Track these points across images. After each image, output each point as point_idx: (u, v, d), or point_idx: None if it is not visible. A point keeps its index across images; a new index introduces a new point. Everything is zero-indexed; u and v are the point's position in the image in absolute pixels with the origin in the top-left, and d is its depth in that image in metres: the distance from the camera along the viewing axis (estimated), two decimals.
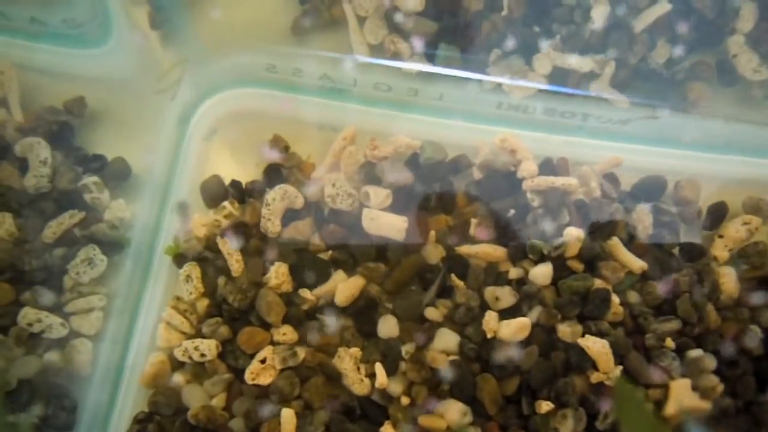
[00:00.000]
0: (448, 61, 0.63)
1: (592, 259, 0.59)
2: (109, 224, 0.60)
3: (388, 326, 0.58)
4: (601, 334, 0.57)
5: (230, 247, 0.58)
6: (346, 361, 0.56)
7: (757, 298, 0.59)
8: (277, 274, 0.58)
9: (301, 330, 0.58)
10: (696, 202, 0.62)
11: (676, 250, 0.61)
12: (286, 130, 0.63)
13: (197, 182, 0.62)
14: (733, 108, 0.64)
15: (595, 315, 0.57)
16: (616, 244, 0.59)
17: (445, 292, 0.59)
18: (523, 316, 0.57)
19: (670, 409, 0.56)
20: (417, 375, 0.56)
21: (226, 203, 0.60)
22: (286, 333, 0.57)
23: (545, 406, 0.55)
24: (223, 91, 0.63)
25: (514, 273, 0.59)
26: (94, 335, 0.58)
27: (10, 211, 0.59)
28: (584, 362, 0.56)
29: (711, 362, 0.57)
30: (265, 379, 0.57)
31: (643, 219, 0.60)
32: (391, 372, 0.57)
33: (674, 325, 0.58)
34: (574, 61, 0.63)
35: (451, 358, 0.57)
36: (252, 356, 0.57)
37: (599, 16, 0.63)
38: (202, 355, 0.57)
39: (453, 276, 0.58)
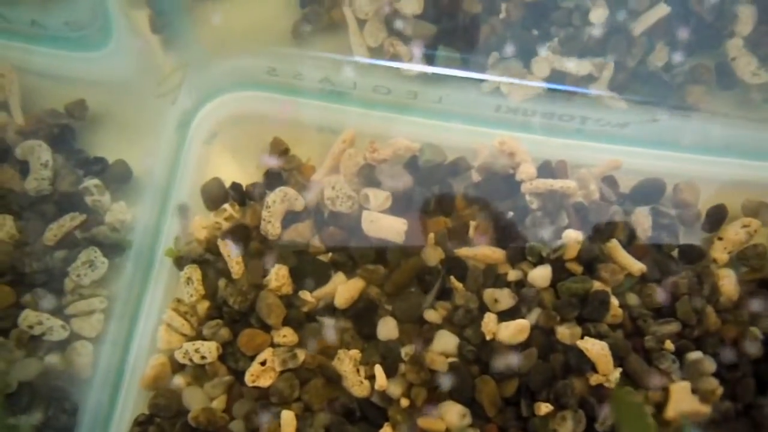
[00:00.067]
0: (447, 64, 0.63)
1: (591, 262, 0.59)
2: (110, 227, 0.60)
3: (387, 328, 0.58)
4: (600, 336, 0.57)
5: (231, 253, 0.58)
6: (346, 363, 0.57)
7: (756, 305, 0.59)
8: (277, 276, 0.58)
9: (301, 332, 0.58)
10: (695, 204, 0.62)
11: (675, 253, 0.61)
12: (286, 132, 0.63)
13: (198, 185, 0.62)
14: (732, 111, 0.64)
15: (594, 317, 0.57)
16: (615, 246, 0.59)
17: (445, 294, 0.59)
18: (522, 318, 0.57)
19: (671, 412, 0.56)
20: (416, 377, 0.56)
21: (226, 206, 0.60)
22: (286, 335, 0.58)
23: (544, 408, 0.55)
24: (223, 94, 0.64)
25: (513, 275, 0.59)
26: (95, 337, 0.58)
27: (11, 214, 0.59)
28: (583, 364, 0.56)
29: (711, 365, 0.57)
30: (265, 381, 0.57)
31: (642, 221, 0.60)
32: (390, 374, 0.57)
33: (673, 327, 0.58)
34: (573, 64, 0.63)
35: (450, 360, 0.57)
36: (252, 358, 0.57)
37: (598, 19, 0.63)
38: (203, 357, 0.57)
39: (452, 278, 0.58)
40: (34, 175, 0.60)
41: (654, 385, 0.57)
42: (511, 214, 0.60)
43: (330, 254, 0.60)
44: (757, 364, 0.58)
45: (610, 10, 0.63)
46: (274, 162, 0.61)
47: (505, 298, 0.57)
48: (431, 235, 0.59)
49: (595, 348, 0.56)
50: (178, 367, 0.58)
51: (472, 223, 0.60)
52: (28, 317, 0.57)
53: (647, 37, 0.64)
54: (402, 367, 0.57)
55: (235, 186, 0.61)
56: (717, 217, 0.62)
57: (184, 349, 0.57)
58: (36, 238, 0.59)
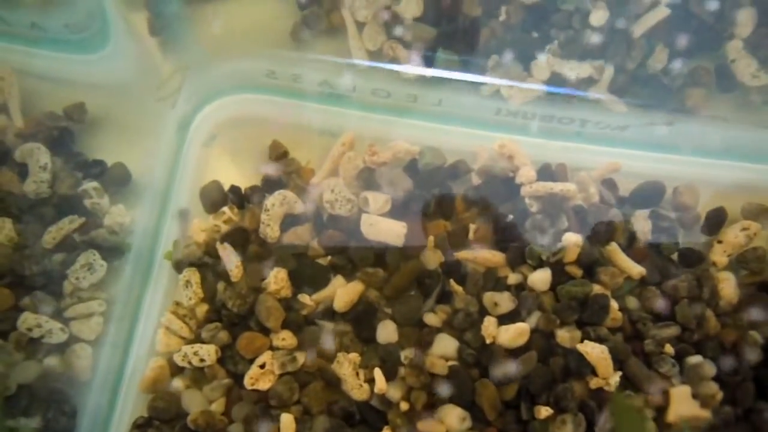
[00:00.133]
0: (446, 67, 0.63)
1: (590, 265, 0.59)
2: (108, 229, 0.60)
3: (387, 331, 0.58)
4: (600, 340, 0.57)
5: (228, 262, 0.58)
6: (345, 366, 0.56)
7: (756, 313, 0.59)
8: (276, 279, 0.58)
9: (301, 335, 0.58)
10: (695, 207, 0.62)
11: (675, 256, 0.61)
12: (286, 135, 0.63)
13: (197, 188, 0.62)
14: (731, 113, 0.64)
15: (593, 320, 0.57)
16: (614, 249, 0.59)
17: (444, 297, 0.59)
18: (522, 321, 0.57)
19: (671, 416, 0.56)
20: (416, 380, 0.56)
21: (225, 208, 0.60)
22: (285, 338, 0.58)
23: (544, 411, 0.55)
24: (222, 97, 0.64)
25: (512, 278, 0.59)
26: (94, 340, 0.58)
27: (10, 217, 0.59)
28: (583, 368, 0.56)
29: (711, 369, 0.57)
30: (264, 385, 0.57)
31: (641, 225, 0.60)
32: (390, 377, 0.57)
33: (673, 330, 0.58)
34: (573, 67, 0.63)
35: (450, 363, 0.57)
36: (251, 361, 0.57)
37: (598, 22, 0.63)
38: (202, 360, 0.57)
39: (452, 281, 0.58)
40: (33, 177, 0.60)
41: (654, 388, 0.57)
42: (510, 217, 0.60)
43: (329, 257, 0.59)
44: (757, 368, 0.58)
45: (610, 12, 0.63)
46: (272, 170, 0.61)
47: (505, 302, 0.57)
48: (431, 238, 0.59)
49: (595, 351, 0.56)
50: (177, 370, 0.58)
51: (472, 226, 0.60)
52: (27, 320, 0.57)
53: (647, 40, 0.64)
54: (402, 371, 0.57)
55: (234, 189, 0.61)
56: (717, 220, 0.62)
57: (183, 352, 0.57)
58: (35, 241, 0.59)
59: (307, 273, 0.59)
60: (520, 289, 0.59)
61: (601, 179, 0.62)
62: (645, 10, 0.63)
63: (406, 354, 0.57)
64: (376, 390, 0.56)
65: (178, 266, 0.60)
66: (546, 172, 0.61)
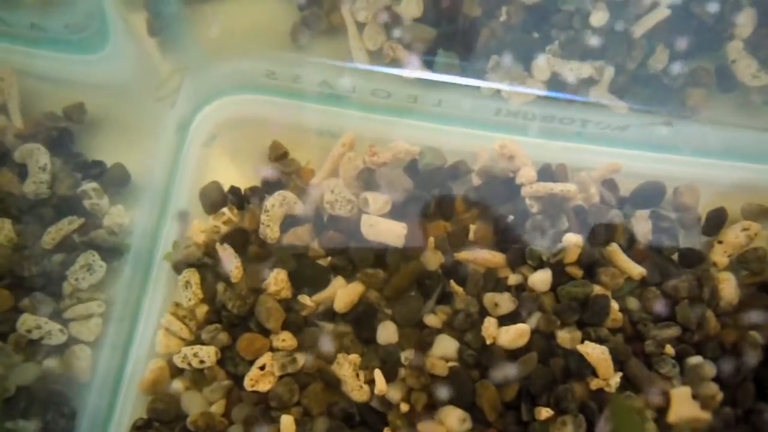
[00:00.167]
0: (446, 68, 0.63)
1: (591, 266, 0.59)
2: (108, 230, 0.60)
3: (387, 332, 0.58)
4: (600, 341, 0.57)
5: (225, 265, 0.58)
6: (345, 367, 0.56)
7: (756, 314, 0.58)
8: (276, 280, 0.58)
9: (301, 336, 0.58)
10: (695, 208, 0.62)
11: (675, 256, 0.61)
12: (286, 136, 0.63)
13: (196, 188, 0.62)
14: (732, 114, 0.64)
15: (594, 321, 0.57)
16: (615, 250, 0.59)
17: (444, 298, 0.59)
18: (523, 322, 0.57)
19: (672, 417, 0.56)
20: (416, 381, 0.56)
21: (225, 209, 0.60)
22: (285, 339, 0.57)
23: (545, 412, 0.55)
24: (222, 97, 0.63)
25: (513, 279, 0.59)
26: (93, 341, 0.58)
27: (9, 217, 0.59)
28: (584, 368, 0.56)
29: (711, 369, 0.57)
30: (264, 386, 0.56)
31: (642, 225, 0.60)
32: (390, 378, 0.56)
33: (674, 331, 0.58)
34: (573, 67, 0.63)
35: (451, 364, 0.57)
36: (251, 363, 0.57)
37: (598, 22, 0.63)
38: (202, 361, 0.57)
39: (452, 282, 0.58)
40: (32, 178, 0.59)
41: (654, 389, 0.57)
42: (511, 217, 0.60)
43: (329, 258, 0.59)
44: (757, 369, 0.58)
45: (610, 13, 0.63)
46: (270, 173, 0.61)
47: (505, 303, 0.57)
48: (431, 239, 0.59)
49: (596, 352, 0.56)
50: (176, 372, 0.58)
51: (472, 227, 0.60)
52: (26, 321, 0.57)
53: (647, 40, 0.64)
54: (402, 372, 0.57)
55: (234, 190, 0.61)
56: (717, 221, 0.62)
57: (183, 353, 0.57)
58: (34, 242, 0.59)
59: (307, 274, 0.59)
60: (520, 289, 0.59)
61: (601, 179, 0.62)
62: (645, 10, 0.63)
63: (407, 355, 0.57)
64: (376, 391, 0.56)
65: (178, 267, 0.60)
66: (546, 173, 0.61)
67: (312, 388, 0.57)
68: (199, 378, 0.58)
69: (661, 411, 0.57)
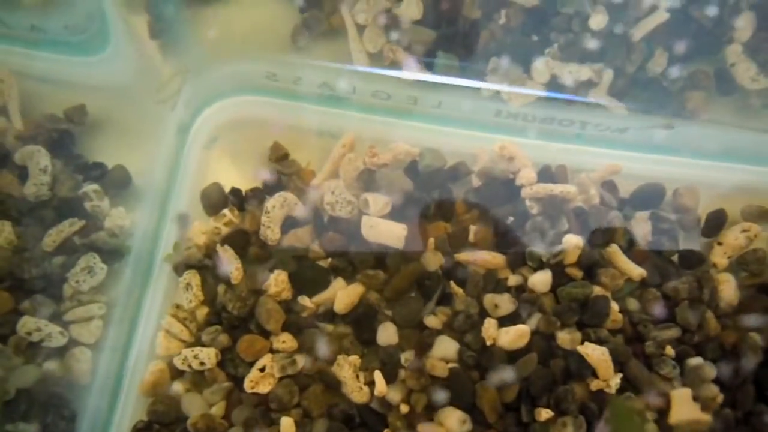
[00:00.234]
0: (446, 70, 0.63)
1: (591, 267, 0.59)
2: (109, 232, 0.60)
3: (387, 334, 0.58)
4: (600, 342, 0.57)
5: (229, 263, 0.58)
6: (345, 369, 0.56)
7: (756, 315, 0.59)
8: (277, 281, 0.58)
9: (301, 338, 0.58)
10: (695, 209, 0.62)
11: (675, 258, 0.61)
12: (286, 137, 0.63)
13: (197, 190, 0.62)
14: (731, 116, 0.64)
15: (594, 322, 0.57)
16: (615, 251, 0.59)
17: (445, 299, 0.59)
18: (523, 323, 0.57)
19: (673, 419, 0.56)
20: (416, 383, 0.56)
21: (225, 211, 0.60)
22: (285, 341, 0.57)
23: (545, 413, 0.55)
24: (223, 99, 0.64)
25: (513, 280, 0.59)
26: (94, 344, 0.58)
27: (10, 220, 0.59)
28: (584, 369, 0.56)
29: (711, 371, 0.57)
30: (264, 388, 0.56)
31: (642, 226, 0.60)
32: (390, 380, 0.56)
33: (674, 332, 0.58)
34: (572, 70, 0.63)
35: (451, 365, 0.57)
36: (251, 364, 0.57)
37: (597, 25, 0.63)
38: (202, 363, 0.57)
39: (452, 283, 0.58)
40: (33, 180, 0.59)
41: (655, 390, 0.57)
42: (511, 218, 0.60)
43: (329, 259, 0.59)
44: (757, 370, 0.58)
45: (609, 16, 0.63)
46: (269, 176, 0.61)
47: (505, 304, 0.57)
48: (431, 240, 0.59)
49: (596, 353, 0.56)
50: (177, 374, 0.58)
51: (472, 228, 0.60)
52: (26, 324, 0.57)
53: (647, 43, 0.64)
54: (402, 373, 0.57)
55: (235, 191, 0.61)
56: (717, 222, 0.62)
57: (183, 355, 0.57)
58: (35, 244, 0.59)
59: (307, 275, 0.59)
60: (520, 290, 0.59)
61: (601, 181, 0.62)
62: (644, 13, 0.63)
63: (407, 356, 0.57)
64: (376, 393, 0.56)
65: (178, 269, 0.60)
66: (546, 174, 0.61)
67: (312, 389, 0.57)
68: (199, 380, 0.58)
69: (662, 412, 0.57)
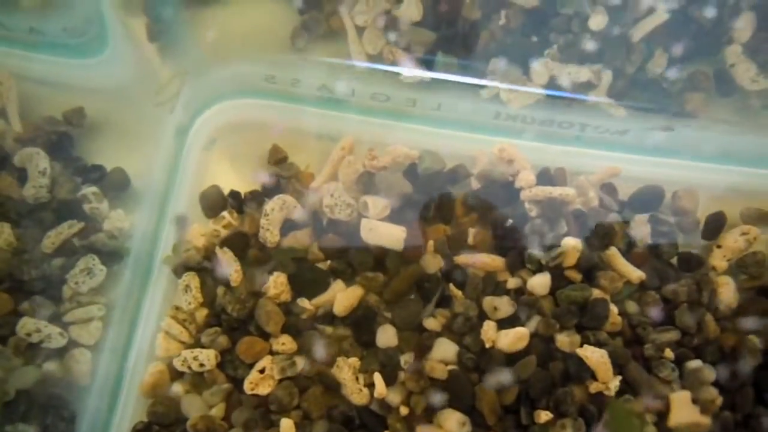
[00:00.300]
0: (446, 71, 0.63)
1: (590, 269, 0.59)
2: (108, 234, 0.60)
3: (386, 336, 0.58)
4: (599, 344, 0.57)
5: (228, 265, 0.58)
6: (345, 371, 0.56)
7: (755, 317, 0.59)
8: (276, 283, 0.58)
9: (300, 340, 0.58)
10: (694, 212, 0.62)
11: (674, 260, 0.61)
12: (285, 140, 0.63)
13: (196, 192, 0.62)
14: (731, 117, 0.64)
15: (593, 325, 0.57)
16: (614, 254, 0.59)
17: (444, 301, 0.59)
18: (522, 325, 0.57)
19: (672, 422, 0.56)
20: (416, 385, 0.56)
21: (224, 213, 0.60)
22: (284, 343, 0.58)
23: (544, 416, 0.55)
24: (222, 101, 0.63)
25: (512, 283, 0.59)
26: (93, 345, 0.58)
27: (9, 222, 0.59)
28: (583, 372, 0.56)
29: (710, 373, 0.57)
30: (263, 389, 0.57)
31: (641, 229, 0.60)
32: (390, 382, 0.57)
33: (673, 335, 0.58)
34: (572, 71, 0.63)
35: (450, 367, 0.57)
36: (251, 366, 0.57)
37: (597, 26, 0.63)
38: (201, 365, 0.57)
39: (451, 286, 0.58)
40: (32, 182, 0.59)
41: (654, 393, 0.57)
42: (510, 221, 0.60)
43: (329, 262, 0.59)
44: (756, 373, 0.58)
45: (609, 17, 0.63)
46: (267, 179, 0.61)
47: (504, 306, 0.57)
48: (430, 243, 0.59)
49: (595, 356, 0.56)
50: (176, 375, 0.58)
51: (472, 231, 0.60)
52: (26, 325, 0.57)
53: (646, 44, 0.64)
54: (401, 375, 0.57)
55: (234, 193, 0.61)
56: (716, 225, 0.62)
57: (183, 356, 0.57)
58: (34, 246, 0.59)
59: (306, 277, 0.59)
60: (519, 293, 0.59)
61: (600, 183, 0.62)
62: (644, 14, 0.63)
63: (406, 358, 0.57)
64: (375, 394, 0.56)
65: (178, 271, 0.60)
66: (545, 177, 0.61)
67: (312, 391, 0.57)
68: (198, 381, 0.58)
69: (661, 415, 0.57)
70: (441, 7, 0.64)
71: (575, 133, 0.63)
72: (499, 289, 0.59)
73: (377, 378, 0.56)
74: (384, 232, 0.58)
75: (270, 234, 0.59)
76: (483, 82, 0.63)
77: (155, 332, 0.59)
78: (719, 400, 0.57)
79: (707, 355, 0.58)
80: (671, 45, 0.64)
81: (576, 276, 0.58)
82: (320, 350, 0.57)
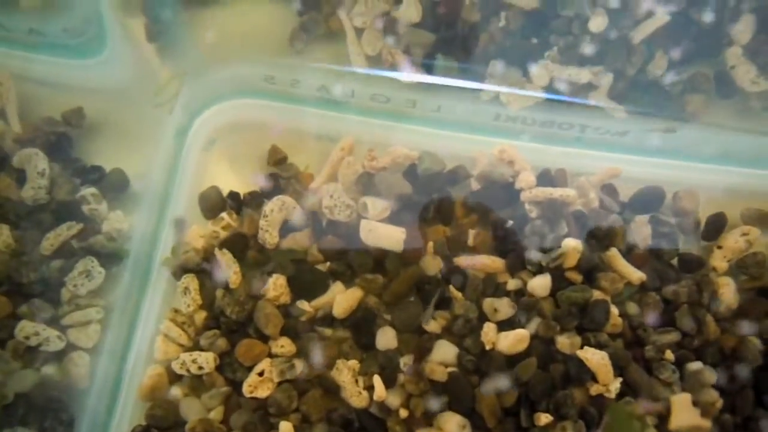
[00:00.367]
0: (445, 73, 0.63)
1: (590, 270, 0.59)
2: (107, 236, 0.60)
3: (386, 338, 0.57)
4: (600, 346, 0.57)
5: (227, 267, 0.58)
6: (345, 373, 0.56)
7: (755, 318, 0.58)
8: (275, 285, 0.57)
9: (299, 342, 0.58)
10: (695, 212, 0.62)
11: (674, 261, 0.61)
12: (284, 140, 0.62)
13: (195, 193, 0.61)
14: (731, 119, 0.64)
15: (593, 326, 0.57)
16: (614, 255, 0.59)
17: (444, 303, 0.58)
18: (522, 327, 0.57)
19: (673, 424, 0.56)
20: (415, 387, 0.56)
21: (224, 214, 0.60)
22: (284, 345, 0.57)
23: (544, 418, 0.55)
24: (221, 102, 0.63)
25: (512, 284, 0.59)
26: (92, 348, 0.58)
27: (8, 223, 0.58)
28: (583, 374, 0.56)
29: (711, 375, 0.57)
30: (263, 392, 0.56)
31: (641, 230, 0.60)
32: (389, 384, 0.56)
33: (673, 336, 0.58)
34: (572, 73, 0.63)
35: (450, 369, 0.57)
36: (250, 369, 0.57)
37: (597, 28, 0.63)
38: (200, 367, 0.57)
39: (451, 287, 0.58)
40: (30, 183, 0.59)
41: (654, 395, 0.57)
42: (510, 222, 0.60)
43: (328, 263, 0.59)
44: (757, 374, 0.58)
45: (609, 19, 0.63)
46: (265, 180, 0.61)
47: (504, 308, 0.57)
48: (430, 244, 0.59)
49: (595, 358, 0.56)
50: (175, 378, 0.58)
51: (472, 232, 0.59)
52: (24, 328, 0.57)
53: (647, 46, 0.64)
54: (401, 378, 0.57)
55: (233, 194, 0.61)
56: (716, 226, 0.62)
57: (182, 359, 0.57)
58: (33, 248, 0.58)
59: (306, 279, 0.59)
60: (519, 295, 0.58)
61: (600, 184, 0.62)
62: (644, 16, 0.63)
63: (406, 361, 0.57)
64: (375, 397, 0.56)
65: (177, 273, 0.59)
66: (546, 178, 0.61)
67: (311, 394, 0.57)
68: (197, 384, 0.58)
69: (662, 417, 0.57)
70: (440, 9, 0.64)
71: (575, 135, 0.63)
72: (499, 291, 0.59)
73: (377, 380, 0.56)
74: (383, 234, 0.58)
75: (269, 235, 0.58)
76: (483, 86, 0.63)
77: (154, 335, 0.59)
78: (720, 403, 0.57)
79: (708, 356, 0.58)
80: (671, 47, 0.64)
81: (576, 277, 0.58)
82: (319, 353, 0.57)
